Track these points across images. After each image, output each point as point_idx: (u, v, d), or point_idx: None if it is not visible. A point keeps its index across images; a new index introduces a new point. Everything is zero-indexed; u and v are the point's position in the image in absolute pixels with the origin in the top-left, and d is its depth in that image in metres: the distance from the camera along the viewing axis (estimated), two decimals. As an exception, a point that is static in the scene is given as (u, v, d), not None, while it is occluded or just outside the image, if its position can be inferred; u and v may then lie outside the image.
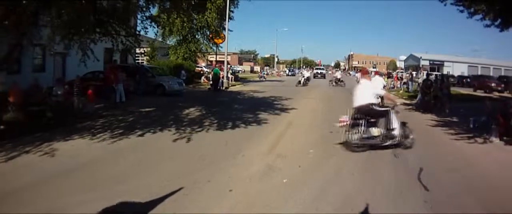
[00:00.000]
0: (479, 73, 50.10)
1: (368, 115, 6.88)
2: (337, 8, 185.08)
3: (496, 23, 11.28)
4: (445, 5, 11.32)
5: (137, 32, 11.65)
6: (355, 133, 6.71)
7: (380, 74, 22.30)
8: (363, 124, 6.74)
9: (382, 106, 8.37)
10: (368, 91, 7.17)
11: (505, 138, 8.55)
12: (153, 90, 17.51)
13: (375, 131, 6.80)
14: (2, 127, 8.54)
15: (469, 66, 60.22)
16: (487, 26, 11.13)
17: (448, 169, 5.91)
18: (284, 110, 12.96)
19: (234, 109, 13.20)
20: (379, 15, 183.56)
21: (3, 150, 6.49)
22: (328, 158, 6.34)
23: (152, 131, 8.36)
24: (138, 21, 11.42)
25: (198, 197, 4.34)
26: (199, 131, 8.44)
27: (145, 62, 29.41)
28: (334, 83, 30.77)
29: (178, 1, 10.78)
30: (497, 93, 28.40)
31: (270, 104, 14.46)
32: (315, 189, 4.68)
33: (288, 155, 6.48)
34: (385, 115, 6.87)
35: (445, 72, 52.21)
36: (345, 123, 6.97)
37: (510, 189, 5.14)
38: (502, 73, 50.24)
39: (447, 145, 8.16)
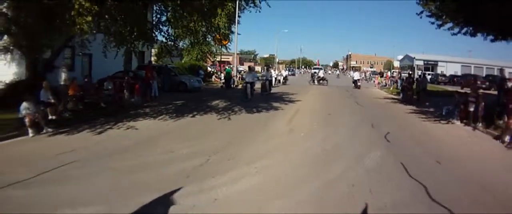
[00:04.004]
0: (473, 72, 52.43)
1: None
2: (336, 8, 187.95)
3: (463, 31, 14.09)
4: (421, 17, 14.19)
5: (175, 39, 14.46)
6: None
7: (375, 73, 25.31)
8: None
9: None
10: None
11: (464, 121, 11.36)
12: (176, 87, 20.19)
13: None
14: (68, 114, 11.22)
15: (462, 66, 61.90)
16: (454, 34, 13.96)
17: (409, 134, 8.90)
18: (291, 101, 16.00)
19: (251, 101, 16.04)
20: (378, 15, 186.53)
21: (84, 129, 8.59)
22: (327, 128, 9.49)
23: (198, 114, 11.24)
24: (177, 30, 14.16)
25: (254, 142, 7.49)
26: (234, 114, 11.44)
27: (153, 62, 32.01)
28: (315, 81, 31.92)
29: (204, 12, 13.55)
30: (481, 91, 31.21)
31: (279, 98, 17.42)
32: (320, 139, 7.91)
33: (301, 125, 9.69)
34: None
35: (438, 71, 55.04)
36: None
37: (452, 145, 8.05)
38: (495, 73, 52.96)
39: (415, 123, 11.11)
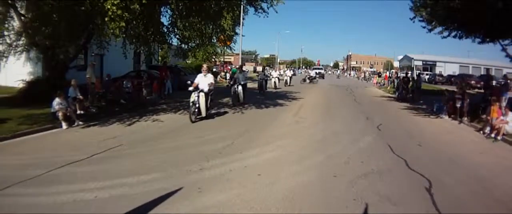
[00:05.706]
0: (470, 72, 53.57)
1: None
2: (337, 9, 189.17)
3: (452, 35, 15.37)
4: (413, 22, 15.45)
5: (188, 41, 15.79)
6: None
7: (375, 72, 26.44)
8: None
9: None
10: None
11: (452, 116, 12.67)
12: (185, 86, 21.49)
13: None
14: (94, 109, 12.47)
15: (460, 66, 62.83)
16: (444, 37, 15.23)
17: (398, 126, 10.29)
18: (295, 98, 17.50)
19: (258, 99, 17.45)
20: (378, 15, 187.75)
21: (113, 122, 9.60)
22: (327, 120, 10.95)
23: (212, 110, 12.48)
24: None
25: (268, 130, 8.94)
26: (245, 109, 12.88)
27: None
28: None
29: (214, 17, 14.84)
30: (476, 90, 32.57)
31: (284, 96, 18.86)
32: (322, 127, 9.41)
33: (305, 117, 11.19)
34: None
35: (437, 72, 56.39)
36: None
37: (435, 133, 9.40)
38: (493, 73, 54.20)
39: (406, 117, 12.50)
